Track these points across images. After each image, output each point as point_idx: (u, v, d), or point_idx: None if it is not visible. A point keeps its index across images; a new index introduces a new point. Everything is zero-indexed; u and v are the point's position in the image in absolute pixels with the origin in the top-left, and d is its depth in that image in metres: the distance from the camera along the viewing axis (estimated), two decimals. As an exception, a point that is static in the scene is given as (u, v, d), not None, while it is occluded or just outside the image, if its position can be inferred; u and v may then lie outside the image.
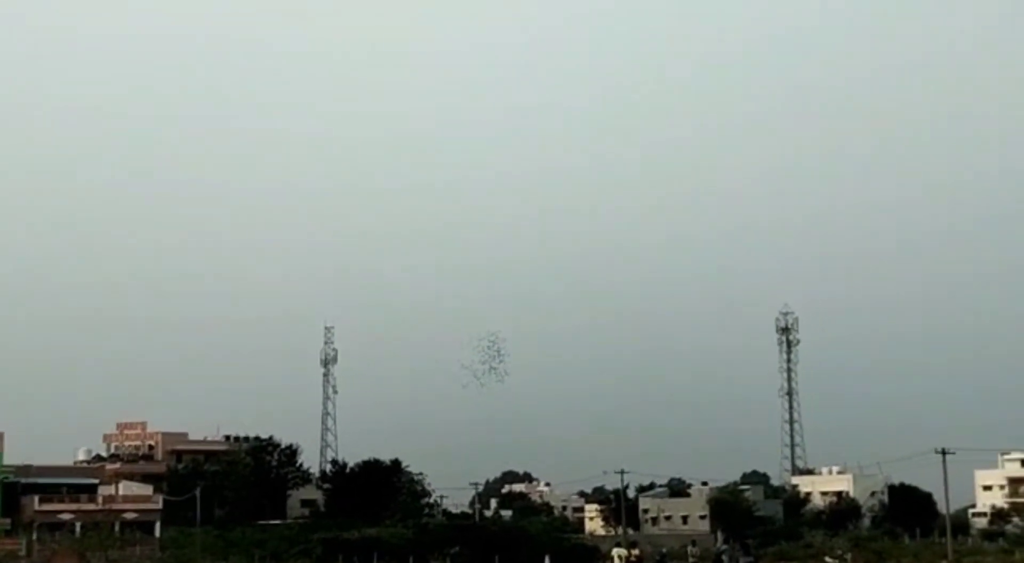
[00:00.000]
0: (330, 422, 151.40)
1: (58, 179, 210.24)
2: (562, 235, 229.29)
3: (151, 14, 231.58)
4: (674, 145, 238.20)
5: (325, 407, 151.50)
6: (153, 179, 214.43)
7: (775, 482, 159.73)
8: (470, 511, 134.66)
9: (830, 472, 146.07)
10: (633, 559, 56.67)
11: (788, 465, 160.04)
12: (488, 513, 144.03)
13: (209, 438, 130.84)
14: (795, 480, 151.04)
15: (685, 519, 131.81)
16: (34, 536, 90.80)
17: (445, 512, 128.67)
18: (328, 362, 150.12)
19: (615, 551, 55.88)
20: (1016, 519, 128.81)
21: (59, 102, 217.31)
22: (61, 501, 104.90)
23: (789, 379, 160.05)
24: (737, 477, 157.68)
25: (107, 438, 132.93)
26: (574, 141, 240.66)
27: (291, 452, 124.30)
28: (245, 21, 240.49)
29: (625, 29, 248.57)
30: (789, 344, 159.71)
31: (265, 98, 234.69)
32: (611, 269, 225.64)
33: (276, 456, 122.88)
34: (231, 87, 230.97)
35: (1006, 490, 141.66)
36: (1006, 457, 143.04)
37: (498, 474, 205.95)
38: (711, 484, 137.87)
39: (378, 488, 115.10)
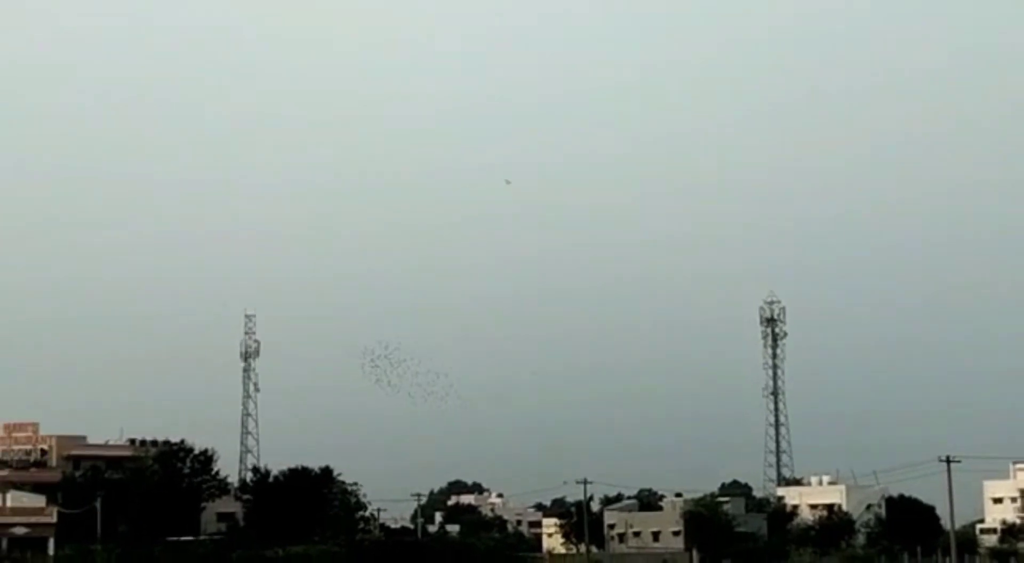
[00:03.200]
0: (251, 424, 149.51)
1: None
2: (522, 236, 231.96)
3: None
4: (659, 142, 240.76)
5: (245, 407, 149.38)
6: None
7: (758, 494, 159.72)
8: (412, 526, 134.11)
9: (820, 482, 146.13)
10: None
11: (773, 474, 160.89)
12: (432, 528, 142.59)
13: (111, 442, 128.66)
14: (781, 491, 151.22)
15: (656, 535, 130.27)
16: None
17: (383, 527, 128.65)
18: (249, 355, 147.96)
19: None
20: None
21: None
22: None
23: (775, 376, 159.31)
24: (715, 488, 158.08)
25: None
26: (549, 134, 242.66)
27: (206, 458, 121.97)
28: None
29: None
30: (775, 337, 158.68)
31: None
32: (576, 268, 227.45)
33: (188, 463, 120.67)
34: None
35: (1019, 503, 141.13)
36: (1018, 466, 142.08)
37: (444, 484, 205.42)
38: (685, 496, 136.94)
39: (306, 500, 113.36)
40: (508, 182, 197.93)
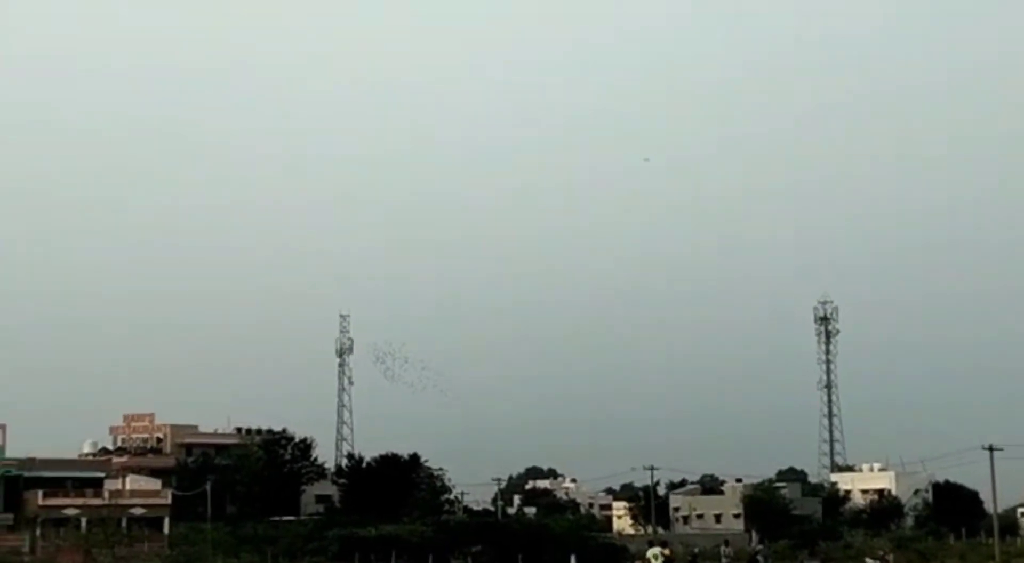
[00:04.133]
0: (346, 414, 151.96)
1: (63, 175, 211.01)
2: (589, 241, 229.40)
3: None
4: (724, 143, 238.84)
5: (340, 399, 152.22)
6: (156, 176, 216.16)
7: (813, 479, 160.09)
8: (492, 508, 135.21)
9: (871, 469, 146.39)
10: (664, 559, 56.79)
11: (827, 462, 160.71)
12: (511, 511, 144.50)
13: (220, 431, 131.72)
14: (834, 477, 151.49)
15: (718, 517, 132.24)
16: (38, 532, 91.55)
17: (466, 509, 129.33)
18: (343, 352, 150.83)
19: (650, 551, 56.08)
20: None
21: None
22: (66, 495, 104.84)
23: (828, 371, 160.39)
24: (773, 474, 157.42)
25: (114, 430, 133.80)
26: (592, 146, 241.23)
27: (305, 445, 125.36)
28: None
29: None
30: (828, 335, 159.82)
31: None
32: (646, 264, 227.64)
33: (290, 449, 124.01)
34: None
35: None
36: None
37: (521, 470, 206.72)
38: (745, 481, 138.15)
39: (396, 484, 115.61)
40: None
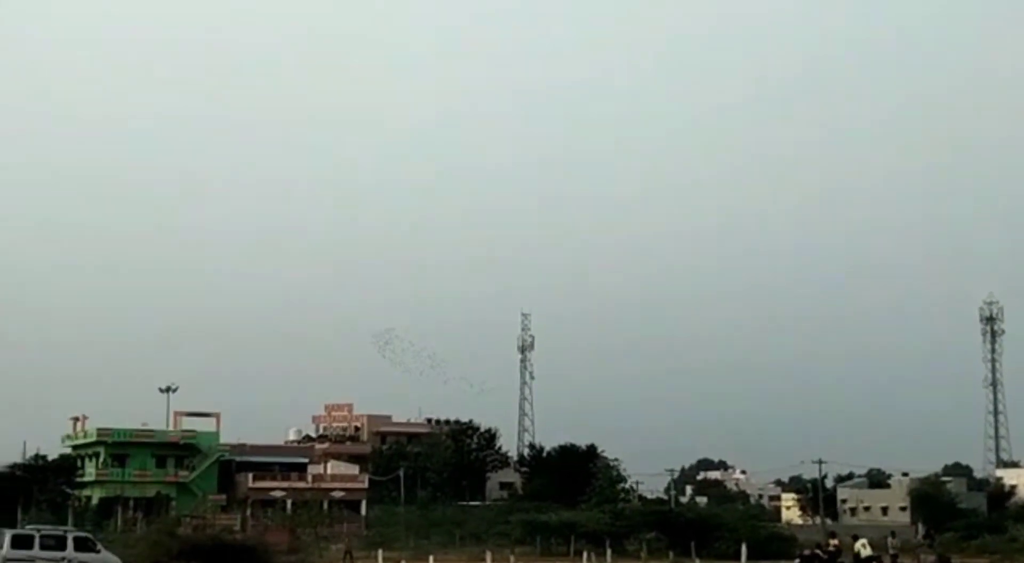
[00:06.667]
0: (527, 407, 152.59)
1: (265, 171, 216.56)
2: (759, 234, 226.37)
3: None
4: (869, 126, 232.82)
5: (522, 392, 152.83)
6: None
7: (978, 474, 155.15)
8: (665, 497, 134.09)
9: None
10: (831, 550, 55.53)
11: (992, 457, 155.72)
12: (683, 500, 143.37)
13: (411, 421, 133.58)
14: (999, 473, 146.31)
15: (885, 510, 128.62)
16: (248, 512, 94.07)
17: (640, 498, 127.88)
18: (525, 348, 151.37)
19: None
20: None
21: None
22: (273, 479, 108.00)
23: (993, 370, 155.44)
24: (939, 469, 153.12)
25: (316, 419, 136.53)
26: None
27: (490, 436, 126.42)
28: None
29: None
30: (994, 334, 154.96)
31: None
32: (812, 255, 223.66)
33: (476, 439, 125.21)
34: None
35: None
36: None
37: (693, 461, 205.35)
38: (912, 475, 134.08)
39: (574, 472, 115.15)
40: None
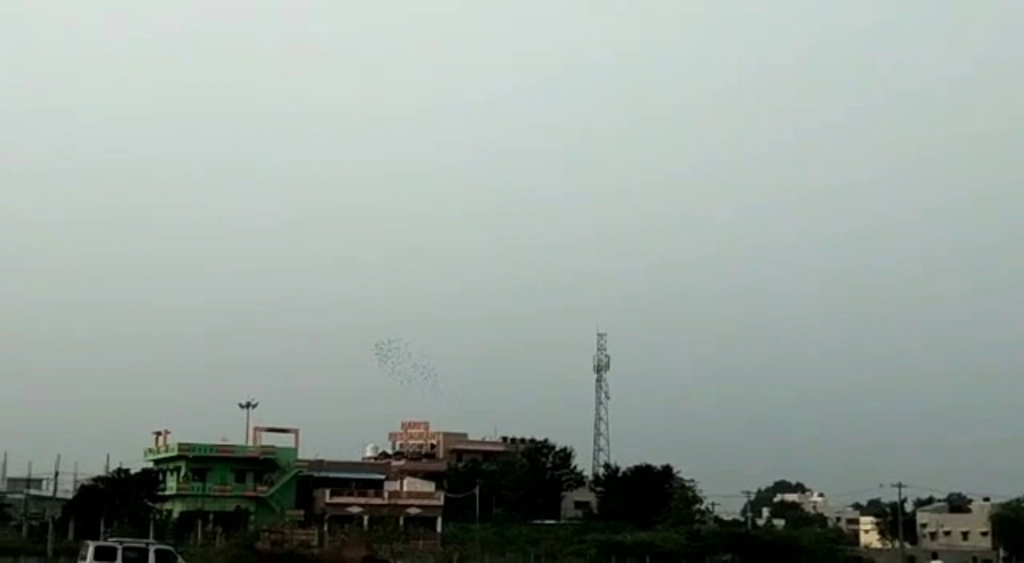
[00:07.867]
0: (602, 427, 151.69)
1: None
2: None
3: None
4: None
5: (598, 412, 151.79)
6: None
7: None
8: (742, 519, 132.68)
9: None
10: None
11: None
12: (760, 522, 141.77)
13: (487, 439, 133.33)
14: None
15: (965, 535, 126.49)
16: (325, 527, 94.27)
17: (717, 519, 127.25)
18: (601, 368, 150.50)
19: None
20: None
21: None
22: (350, 495, 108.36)
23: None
24: (1021, 494, 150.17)
25: (392, 436, 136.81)
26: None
27: (565, 455, 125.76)
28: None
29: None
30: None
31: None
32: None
33: (551, 458, 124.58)
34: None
35: None
36: None
37: (770, 484, 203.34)
38: (993, 500, 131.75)
39: (650, 493, 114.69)
40: None
